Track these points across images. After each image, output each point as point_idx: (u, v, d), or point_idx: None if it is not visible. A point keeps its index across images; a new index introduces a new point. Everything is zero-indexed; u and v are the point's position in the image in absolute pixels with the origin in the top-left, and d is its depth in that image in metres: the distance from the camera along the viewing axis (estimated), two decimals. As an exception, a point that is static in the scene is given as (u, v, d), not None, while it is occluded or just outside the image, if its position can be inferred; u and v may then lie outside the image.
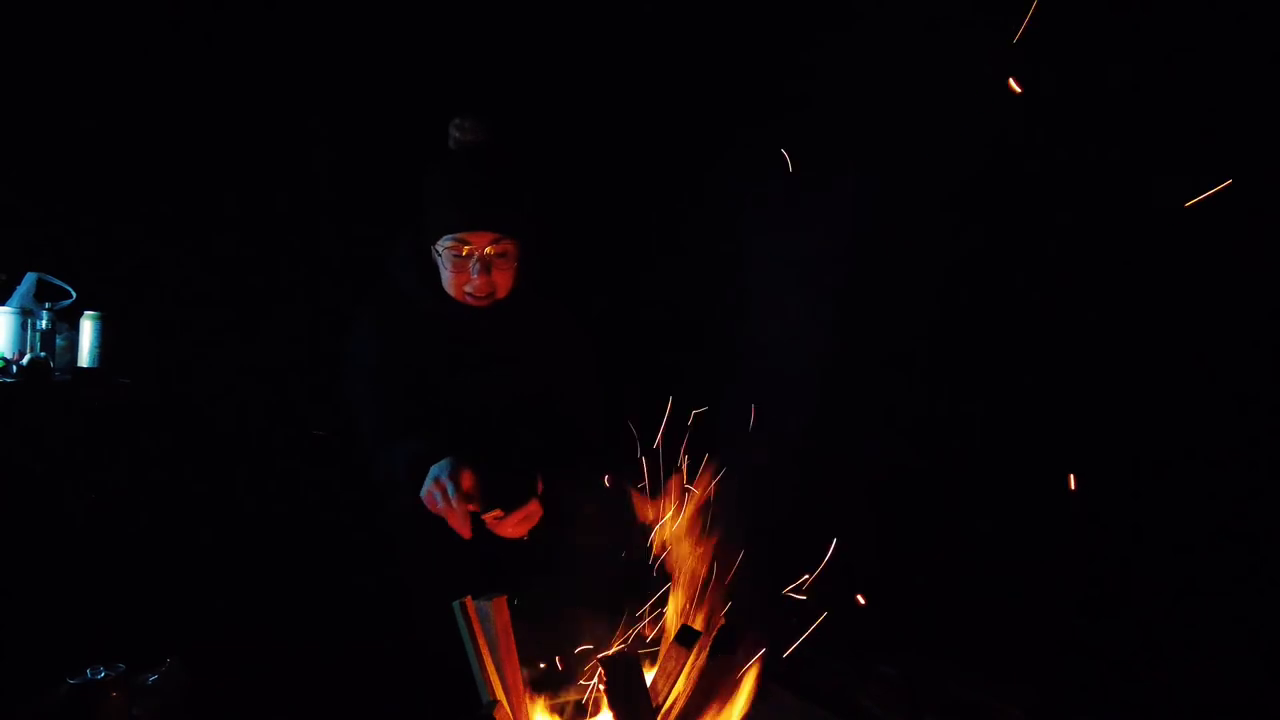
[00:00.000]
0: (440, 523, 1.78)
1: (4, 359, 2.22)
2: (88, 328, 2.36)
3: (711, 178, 2.67)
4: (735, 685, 1.51)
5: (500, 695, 1.46)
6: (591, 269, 2.69)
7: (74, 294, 2.39)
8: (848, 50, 2.28)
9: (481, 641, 1.45)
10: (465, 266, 1.91)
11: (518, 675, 1.50)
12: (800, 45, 2.56)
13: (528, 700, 1.51)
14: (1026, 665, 2.09)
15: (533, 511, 1.85)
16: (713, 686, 1.49)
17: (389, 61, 2.79)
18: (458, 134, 1.96)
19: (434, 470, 1.77)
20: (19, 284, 2.33)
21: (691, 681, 1.50)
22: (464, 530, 1.75)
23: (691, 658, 1.49)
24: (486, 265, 1.90)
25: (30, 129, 2.48)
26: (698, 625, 1.55)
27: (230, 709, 1.79)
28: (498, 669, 1.46)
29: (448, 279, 1.94)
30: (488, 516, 1.80)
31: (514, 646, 1.49)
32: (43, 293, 2.35)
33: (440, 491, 1.74)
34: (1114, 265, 2.09)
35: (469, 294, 1.93)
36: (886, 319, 2.31)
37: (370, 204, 2.78)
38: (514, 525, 1.82)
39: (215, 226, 2.75)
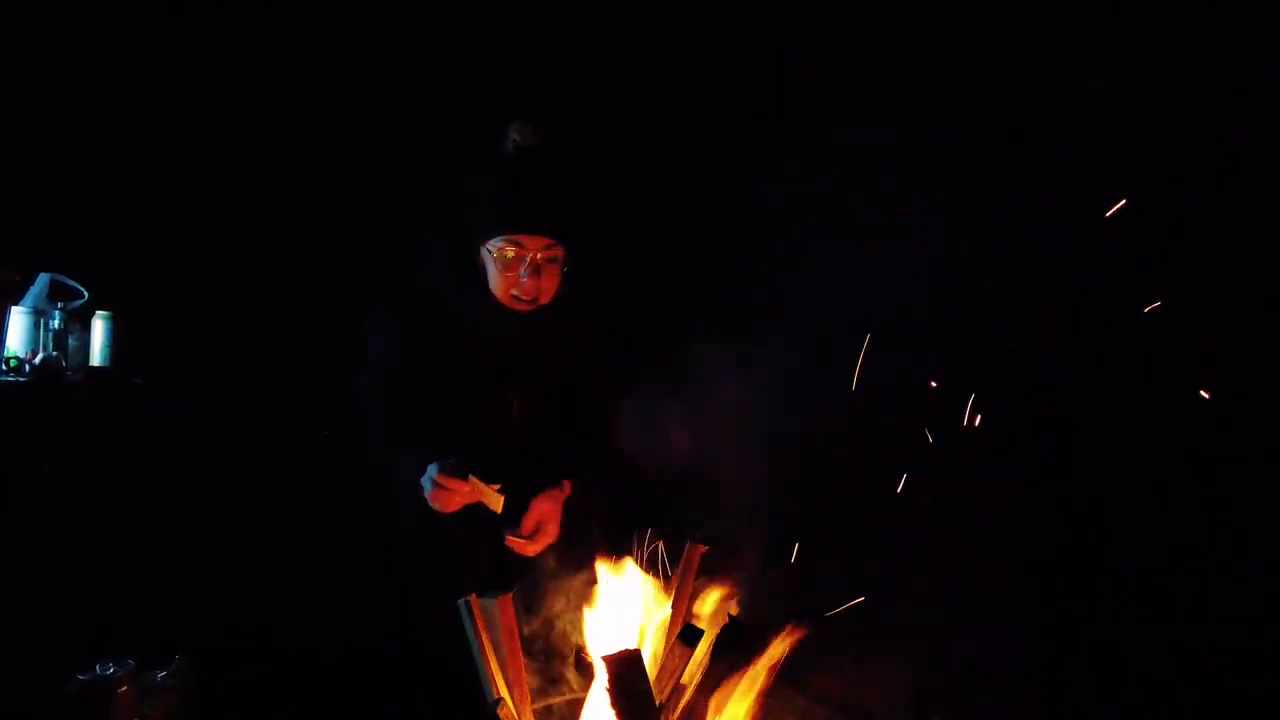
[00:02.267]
0: (441, 523, 1.80)
1: (17, 358, 2.24)
2: (99, 327, 2.39)
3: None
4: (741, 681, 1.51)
5: (504, 693, 1.47)
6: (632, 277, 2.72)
7: (86, 294, 2.41)
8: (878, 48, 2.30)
9: (485, 639, 1.46)
10: (515, 268, 1.91)
11: (522, 673, 1.51)
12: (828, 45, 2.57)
13: (530, 697, 1.52)
14: (1036, 668, 2.09)
15: (547, 518, 1.89)
16: (716, 684, 1.49)
17: (391, 62, 2.81)
18: (517, 137, 1.96)
19: (427, 477, 1.82)
20: (32, 284, 2.35)
21: (695, 679, 1.50)
22: (494, 505, 1.79)
23: (695, 655, 1.49)
24: (536, 269, 1.90)
25: (40, 132, 2.51)
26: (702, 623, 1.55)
27: (238, 707, 1.81)
28: (501, 667, 1.47)
29: (496, 280, 1.94)
30: (511, 539, 1.85)
31: (518, 644, 1.50)
32: (56, 293, 2.38)
33: (442, 484, 1.78)
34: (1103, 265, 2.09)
35: (515, 297, 1.93)
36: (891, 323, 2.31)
37: (376, 204, 2.80)
38: (529, 541, 1.87)
39: (225, 226, 2.77)
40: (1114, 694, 1.99)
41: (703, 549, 1.61)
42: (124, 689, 1.57)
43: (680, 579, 1.63)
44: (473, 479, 1.79)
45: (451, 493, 1.79)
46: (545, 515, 1.90)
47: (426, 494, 1.81)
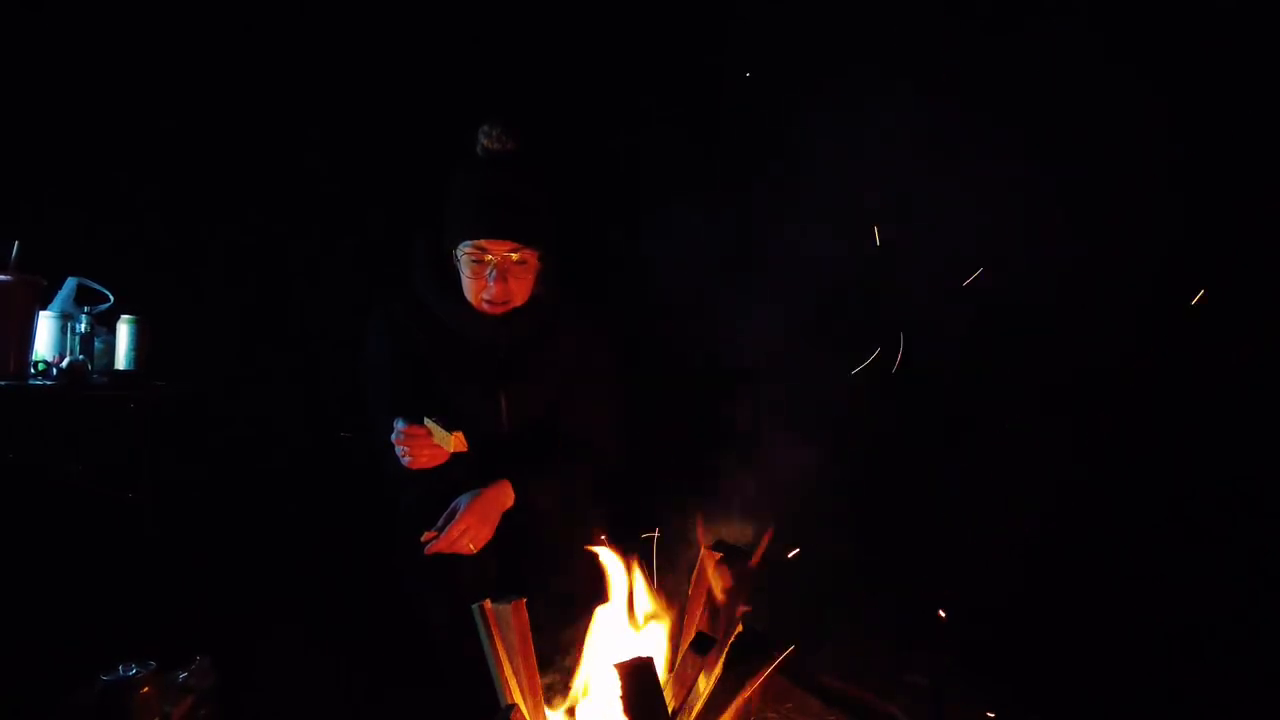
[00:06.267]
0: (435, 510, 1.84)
1: (45, 362, 2.27)
2: (124, 331, 2.41)
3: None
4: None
5: (518, 699, 1.47)
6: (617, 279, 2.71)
7: (112, 298, 2.44)
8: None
9: (499, 645, 1.46)
10: (483, 273, 1.92)
11: (536, 679, 1.51)
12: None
13: (544, 704, 1.53)
14: (1051, 676, 2.07)
15: (471, 527, 1.84)
16: (728, 693, 1.49)
17: (406, 68, 2.82)
18: (485, 140, 1.96)
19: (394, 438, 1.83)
20: (59, 289, 2.39)
21: (707, 688, 1.50)
22: (456, 446, 1.78)
23: (707, 664, 1.49)
24: (504, 273, 1.91)
25: (67, 138, 2.55)
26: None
27: (258, 707, 1.83)
28: (515, 673, 1.48)
29: (467, 285, 1.96)
30: (431, 542, 1.84)
31: (532, 650, 1.50)
32: (82, 297, 2.40)
33: (403, 432, 1.80)
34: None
35: (486, 301, 1.95)
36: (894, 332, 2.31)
37: (393, 208, 2.82)
38: (453, 538, 1.83)
39: (249, 232, 2.80)
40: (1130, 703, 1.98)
41: (717, 556, 1.61)
42: (146, 689, 1.59)
43: (694, 587, 1.63)
44: (428, 421, 1.80)
45: (415, 439, 1.79)
46: (471, 522, 1.85)
47: (400, 457, 1.82)
